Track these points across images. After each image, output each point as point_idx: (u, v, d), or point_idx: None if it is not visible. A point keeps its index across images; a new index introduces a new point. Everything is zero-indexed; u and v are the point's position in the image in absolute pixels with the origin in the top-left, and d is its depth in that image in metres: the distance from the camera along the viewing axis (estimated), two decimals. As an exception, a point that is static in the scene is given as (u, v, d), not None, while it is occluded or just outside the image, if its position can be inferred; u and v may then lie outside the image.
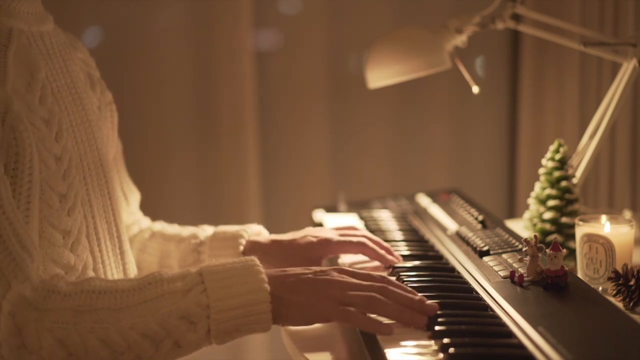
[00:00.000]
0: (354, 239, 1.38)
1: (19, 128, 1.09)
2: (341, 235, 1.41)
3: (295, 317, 1.09)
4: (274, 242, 1.42)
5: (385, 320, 1.09)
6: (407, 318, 1.08)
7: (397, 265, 1.33)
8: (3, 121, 1.08)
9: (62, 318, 1.02)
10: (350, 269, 1.14)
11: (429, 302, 1.10)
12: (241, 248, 1.42)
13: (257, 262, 1.10)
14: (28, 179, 1.10)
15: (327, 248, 1.39)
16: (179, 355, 1.06)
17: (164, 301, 1.04)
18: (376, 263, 1.38)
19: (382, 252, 1.37)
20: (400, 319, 1.08)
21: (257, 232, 1.46)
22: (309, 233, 1.42)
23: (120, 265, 1.30)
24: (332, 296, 1.08)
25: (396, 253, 1.39)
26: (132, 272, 1.36)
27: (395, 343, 1.04)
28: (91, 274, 1.21)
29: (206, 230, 1.47)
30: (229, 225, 1.47)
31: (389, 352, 1.01)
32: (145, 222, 1.53)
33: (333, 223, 1.63)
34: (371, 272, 1.14)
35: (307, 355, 1.16)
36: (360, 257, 1.40)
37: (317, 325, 1.27)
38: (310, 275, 1.11)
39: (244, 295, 1.05)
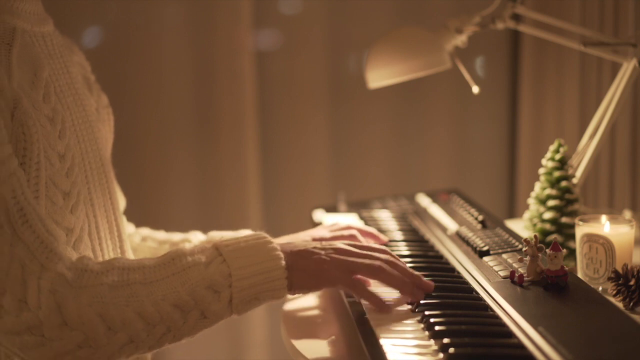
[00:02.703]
0: (345, 232, 1.43)
1: (28, 123, 1.10)
2: (332, 231, 1.45)
3: (306, 284, 1.14)
4: None
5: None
6: (409, 290, 1.16)
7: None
8: (12, 116, 1.08)
9: (100, 294, 1.04)
10: (353, 242, 1.21)
11: (426, 279, 1.19)
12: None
13: (266, 235, 1.15)
14: (35, 174, 1.11)
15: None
16: (203, 326, 1.10)
17: (191, 273, 1.08)
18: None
19: (369, 241, 1.44)
20: (402, 289, 1.16)
21: None
22: (301, 235, 1.44)
23: None
24: (341, 263, 1.15)
25: (383, 237, 1.46)
26: None
27: (395, 343, 1.04)
28: None
29: (197, 235, 1.51)
30: (221, 231, 1.49)
31: (389, 352, 1.01)
32: (131, 227, 1.55)
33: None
34: (373, 245, 1.23)
35: (307, 355, 1.16)
36: None
37: (317, 324, 1.28)
38: (317, 244, 1.18)
39: (261, 263, 1.11)
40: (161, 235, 1.53)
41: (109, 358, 1.05)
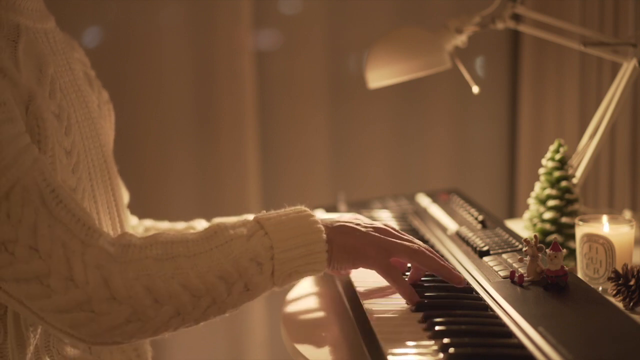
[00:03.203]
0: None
1: (43, 117, 1.10)
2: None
3: (344, 259, 1.15)
4: None
5: None
6: (447, 273, 1.17)
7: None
8: (27, 109, 1.09)
9: (145, 267, 1.04)
10: (395, 229, 1.21)
11: (457, 272, 1.19)
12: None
13: (307, 208, 1.15)
14: (51, 167, 1.11)
15: None
16: (247, 299, 1.10)
17: (234, 245, 1.08)
18: None
19: None
20: (441, 272, 1.17)
21: None
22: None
23: None
24: (380, 242, 1.16)
25: None
26: None
27: (395, 343, 1.04)
28: None
29: (201, 223, 1.52)
30: (224, 217, 1.49)
31: (389, 352, 1.01)
32: (134, 219, 1.55)
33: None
34: (409, 236, 1.22)
35: (307, 355, 1.16)
36: None
37: (317, 325, 1.28)
38: (357, 222, 1.18)
39: (302, 236, 1.11)
40: (164, 225, 1.53)
41: (156, 331, 1.06)
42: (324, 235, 1.12)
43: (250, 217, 1.14)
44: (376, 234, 1.17)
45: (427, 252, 1.18)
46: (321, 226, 1.12)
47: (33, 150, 1.06)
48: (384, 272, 1.16)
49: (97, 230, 1.05)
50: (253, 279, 1.08)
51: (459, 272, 1.20)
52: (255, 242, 1.09)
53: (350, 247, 1.14)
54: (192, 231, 1.13)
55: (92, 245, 1.03)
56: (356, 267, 1.17)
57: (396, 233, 1.19)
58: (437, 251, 1.42)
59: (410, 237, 1.21)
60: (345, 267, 1.17)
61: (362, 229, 1.17)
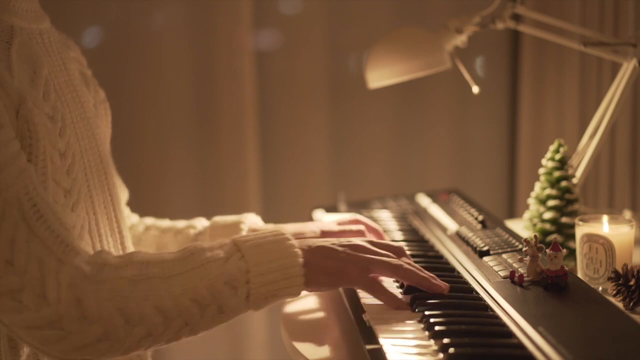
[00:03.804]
0: (354, 227, 1.45)
1: (34, 120, 1.10)
2: (340, 224, 1.47)
3: (323, 282, 1.14)
4: None
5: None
6: (427, 283, 1.16)
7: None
8: (17, 113, 1.08)
9: (119, 288, 1.04)
10: (371, 239, 1.21)
11: (440, 281, 1.18)
12: (243, 234, 1.44)
13: (284, 231, 1.15)
14: (42, 171, 1.11)
15: (329, 237, 1.42)
16: (220, 321, 1.10)
17: (210, 268, 1.08)
18: None
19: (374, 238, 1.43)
20: (421, 283, 1.16)
21: (254, 220, 1.50)
22: (310, 225, 1.46)
23: None
24: (360, 261, 1.15)
25: (387, 238, 1.47)
26: None
27: (395, 343, 1.04)
28: None
29: (202, 222, 1.51)
30: (224, 216, 1.50)
31: (389, 352, 1.01)
32: (135, 217, 1.55)
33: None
34: (390, 242, 1.23)
35: (307, 355, 1.16)
36: None
37: (317, 325, 1.28)
38: (335, 242, 1.17)
39: (278, 260, 1.10)
40: (165, 223, 1.53)
41: (127, 350, 1.06)
42: (301, 260, 1.11)
43: (227, 240, 1.14)
44: (354, 253, 1.16)
45: (405, 265, 1.17)
46: (298, 250, 1.12)
47: (21, 160, 1.05)
48: (367, 289, 1.16)
49: (74, 248, 1.05)
50: (227, 302, 1.08)
51: (440, 282, 1.18)
52: (231, 266, 1.09)
53: (329, 269, 1.14)
54: (169, 251, 1.14)
55: (68, 263, 1.03)
56: (337, 288, 1.18)
57: (373, 248, 1.18)
58: (437, 251, 1.42)
59: (388, 248, 1.20)
60: (326, 288, 1.18)
61: (340, 249, 1.16)
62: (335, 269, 1.14)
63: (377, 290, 1.16)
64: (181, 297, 1.06)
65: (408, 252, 1.40)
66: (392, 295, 1.16)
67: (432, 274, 1.18)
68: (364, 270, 1.15)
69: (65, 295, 1.02)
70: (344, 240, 1.19)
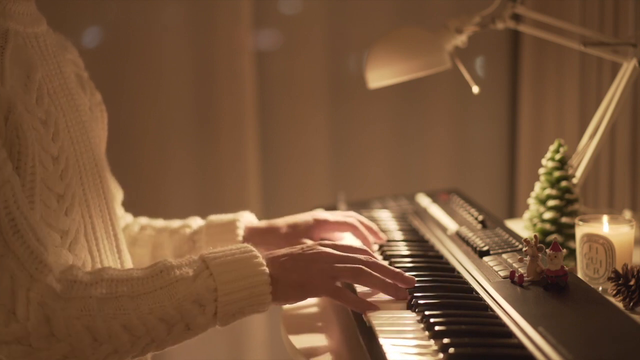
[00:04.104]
0: (348, 220, 1.47)
1: (23, 127, 1.09)
2: (333, 215, 1.49)
3: (291, 295, 1.16)
4: (272, 227, 1.48)
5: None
6: (392, 290, 1.18)
7: (397, 265, 1.33)
8: (6, 119, 1.08)
9: (88, 306, 1.05)
10: (333, 243, 1.23)
11: (407, 274, 1.20)
12: (239, 232, 1.46)
13: (252, 247, 1.16)
14: (30, 178, 1.10)
15: (323, 227, 1.47)
16: (186, 337, 1.11)
17: (178, 287, 1.09)
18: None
19: (368, 235, 1.47)
20: (385, 290, 1.18)
21: (249, 218, 1.51)
22: (303, 216, 1.48)
23: (118, 263, 1.31)
24: (323, 270, 1.16)
25: (382, 235, 1.49)
26: None
27: (395, 343, 1.04)
28: None
29: (197, 221, 1.52)
30: (219, 215, 1.50)
31: (389, 352, 1.01)
32: (129, 217, 1.55)
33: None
34: (352, 245, 1.24)
35: (308, 355, 1.16)
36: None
37: (317, 325, 1.27)
38: (299, 252, 1.18)
39: (246, 278, 1.11)
40: (159, 223, 1.53)
41: None
42: (268, 278, 1.12)
43: (196, 256, 1.15)
44: (319, 264, 1.16)
45: (367, 271, 1.17)
46: (265, 268, 1.13)
47: (5, 171, 1.05)
48: (334, 297, 1.17)
49: (47, 265, 1.05)
50: (195, 320, 1.09)
51: (409, 277, 1.19)
52: (199, 284, 1.09)
53: (295, 283, 1.15)
54: (138, 268, 1.13)
55: (40, 280, 1.04)
56: (305, 299, 1.19)
57: (337, 253, 1.18)
58: (437, 251, 1.42)
59: (351, 252, 1.21)
60: (295, 301, 1.18)
61: (303, 262, 1.16)
62: (302, 283, 1.15)
63: (342, 297, 1.16)
64: (149, 316, 1.07)
65: (408, 252, 1.41)
66: (358, 300, 1.17)
67: (399, 271, 1.19)
68: (329, 279, 1.16)
69: (34, 313, 1.03)
70: (308, 249, 1.19)
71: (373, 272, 1.18)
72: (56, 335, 1.03)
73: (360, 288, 1.23)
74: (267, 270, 1.13)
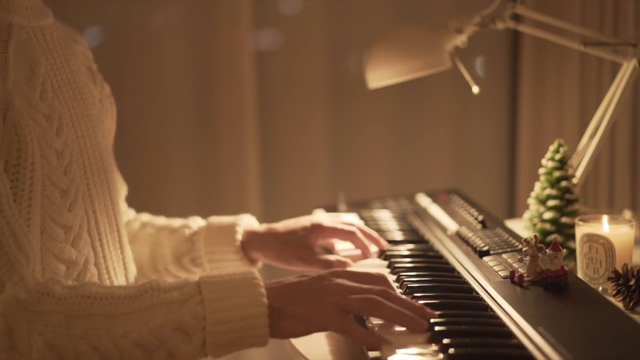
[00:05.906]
0: (346, 227, 1.44)
1: (21, 124, 1.09)
2: (333, 220, 1.47)
3: (294, 329, 1.06)
4: (271, 231, 1.46)
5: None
6: (409, 322, 1.05)
7: (397, 265, 1.33)
8: (4, 117, 1.08)
9: (55, 322, 1.00)
10: (348, 271, 1.12)
11: (429, 309, 1.08)
12: (238, 237, 1.46)
13: (257, 274, 1.07)
14: (30, 175, 1.10)
15: (321, 232, 1.44)
16: None
17: (158, 311, 1.02)
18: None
19: (368, 243, 1.43)
20: (401, 322, 1.06)
21: (249, 222, 1.51)
22: (302, 220, 1.46)
23: (120, 259, 1.31)
24: (332, 303, 1.05)
25: (383, 242, 1.45)
26: (131, 265, 1.37)
27: (395, 344, 1.04)
28: (93, 269, 1.21)
29: (197, 221, 1.51)
30: (220, 216, 1.50)
31: (389, 352, 1.01)
32: (131, 212, 1.54)
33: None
34: (370, 272, 1.12)
35: (307, 355, 1.16)
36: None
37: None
38: (308, 283, 1.07)
39: (241, 308, 1.03)
40: (160, 221, 1.52)
41: None
42: (266, 310, 1.03)
43: (195, 277, 1.07)
44: (329, 297, 1.05)
45: (383, 301, 1.05)
46: (264, 299, 1.03)
47: None
48: (341, 332, 1.05)
49: (20, 273, 1.02)
50: (179, 348, 1.01)
51: (430, 312, 1.07)
52: (185, 311, 1.01)
53: (298, 316, 1.04)
54: (126, 285, 1.07)
55: (6, 290, 1.01)
56: (309, 334, 1.07)
57: (351, 285, 1.07)
58: (437, 251, 1.42)
59: (367, 279, 1.09)
60: (297, 336, 1.08)
61: (312, 295, 1.05)
62: (305, 315, 1.04)
63: (351, 332, 1.04)
64: (122, 339, 1.00)
65: (408, 252, 1.41)
66: (367, 334, 1.05)
67: (421, 305, 1.08)
68: (338, 313, 1.04)
69: None
70: (319, 280, 1.07)
71: (387, 303, 1.06)
72: (18, 350, 0.99)
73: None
74: (266, 301, 1.03)
